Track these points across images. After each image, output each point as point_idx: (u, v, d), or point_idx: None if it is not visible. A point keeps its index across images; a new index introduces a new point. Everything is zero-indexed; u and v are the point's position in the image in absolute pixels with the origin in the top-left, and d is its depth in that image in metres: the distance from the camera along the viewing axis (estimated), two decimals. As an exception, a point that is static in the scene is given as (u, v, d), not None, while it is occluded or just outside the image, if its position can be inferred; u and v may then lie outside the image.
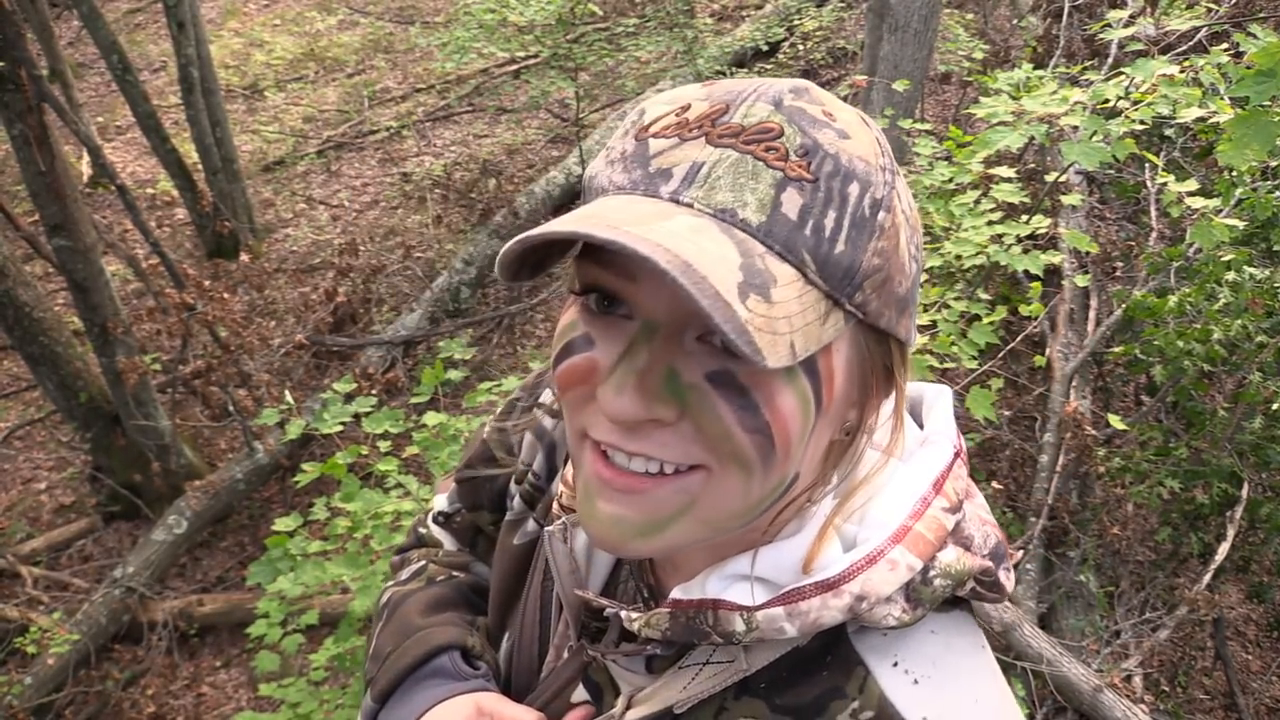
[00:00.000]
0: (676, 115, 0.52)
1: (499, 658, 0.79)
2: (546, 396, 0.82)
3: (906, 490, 0.57)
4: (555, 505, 0.72)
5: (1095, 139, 2.51)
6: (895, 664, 0.56)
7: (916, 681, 0.55)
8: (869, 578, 0.54)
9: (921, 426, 0.64)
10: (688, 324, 0.50)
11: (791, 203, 0.49)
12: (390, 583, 0.88)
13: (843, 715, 0.55)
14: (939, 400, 0.65)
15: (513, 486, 0.82)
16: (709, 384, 0.50)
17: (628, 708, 0.63)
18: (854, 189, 0.50)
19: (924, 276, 2.96)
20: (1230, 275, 3.25)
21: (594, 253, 0.52)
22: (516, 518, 0.81)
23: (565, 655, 0.72)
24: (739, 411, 0.50)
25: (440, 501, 0.92)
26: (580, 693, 0.69)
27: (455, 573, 0.88)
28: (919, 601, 0.55)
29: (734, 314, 0.44)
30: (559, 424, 0.79)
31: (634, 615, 0.60)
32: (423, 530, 0.94)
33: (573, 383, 0.54)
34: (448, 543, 0.92)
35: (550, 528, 0.69)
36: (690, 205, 0.49)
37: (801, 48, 7.33)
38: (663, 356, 0.50)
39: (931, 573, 0.55)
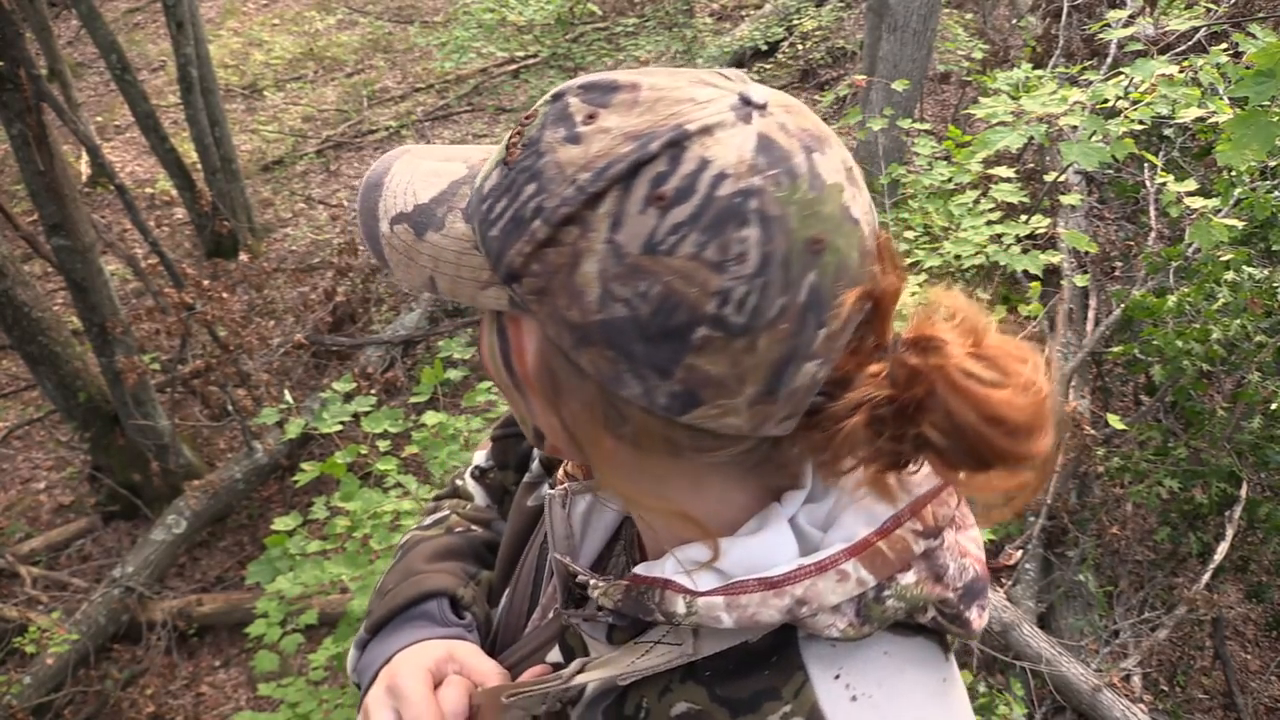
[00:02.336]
0: None
1: (497, 612, 0.82)
2: None
3: (881, 506, 0.57)
4: (561, 470, 0.73)
5: (1094, 139, 2.51)
6: (837, 677, 0.56)
7: (855, 699, 0.55)
8: (815, 584, 0.54)
9: None
10: None
11: (491, 181, 0.54)
12: (415, 526, 0.92)
13: (774, 716, 0.55)
14: None
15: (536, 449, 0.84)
16: None
17: (578, 672, 0.64)
18: (530, 189, 0.51)
19: (923, 276, 2.97)
20: (1229, 275, 3.25)
21: None
22: (534, 480, 0.84)
23: (549, 617, 0.74)
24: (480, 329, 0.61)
25: (479, 457, 0.97)
26: (555, 654, 0.71)
27: (475, 527, 0.91)
28: (868, 619, 0.55)
29: (375, 225, 0.60)
30: None
31: (600, 584, 0.62)
32: (459, 482, 0.98)
33: None
34: (479, 497, 0.95)
35: (552, 491, 0.70)
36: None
37: (800, 47, 7.33)
38: None
39: (885, 592, 0.55)
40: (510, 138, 0.55)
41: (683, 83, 0.52)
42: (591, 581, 0.62)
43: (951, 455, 0.51)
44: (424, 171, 0.60)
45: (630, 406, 0.52)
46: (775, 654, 0.57)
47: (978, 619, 0.59)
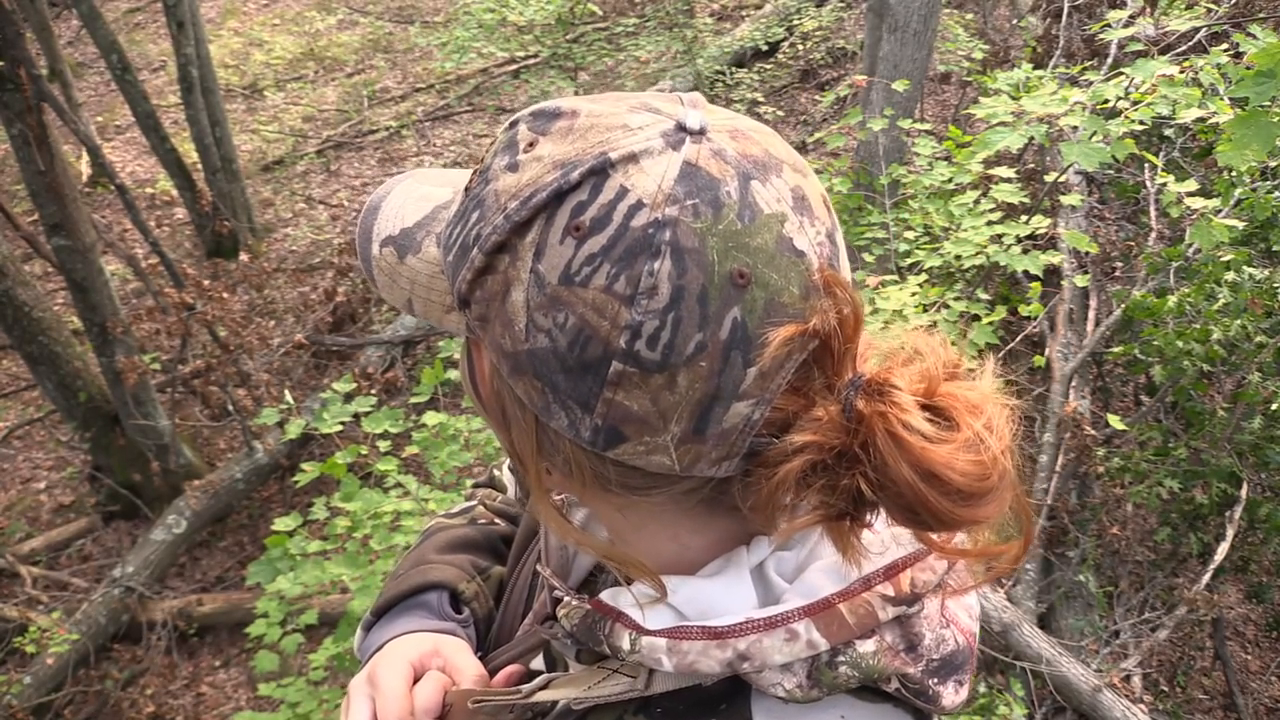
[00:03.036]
0: None
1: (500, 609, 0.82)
2: None
3: (853, 565, 0.54)
4: None
5: (1095, 139, 2.51)
6: None
7: None
8: (760, 641, 0.52)
9: None
10: None
11: (454, 207, 0.56)
12: (443, 513, 0.93)
13: None
14: None
15: None
16: None
17: (540, 688, 0.64)
18: (474, 217, 0.52)
19: (923, 277, 2.97)
20: (1230, 275, 3.25)
21: None
22: None
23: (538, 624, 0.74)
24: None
25: None
26: (539, 662, 0.71)
27: (499, 520, 0.91)
28: (819, 683, 0.53)
29: (369, 247, 0.61)
30: None
31: (567, 605, 0.61)
32: (496, 472, 0.98)
33: None
34: (512, 489, 0.95)
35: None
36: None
37: (801, 47, 7.33)
38: None
39: (840, 658, 0.53)
40: (474, 167, 0.56)
41: (622, 109, 0.51)
42: (565, 599, 0.62)
43: (889, 512, 0.48)
44: (416, 196, 0.62)
45: (560, 438, 0.52)
46: (725, 702, 0.56)
47: (952, 694, 0.55)
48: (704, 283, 0.46)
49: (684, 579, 0.57)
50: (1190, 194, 2.79)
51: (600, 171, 0.48)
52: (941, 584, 0.56)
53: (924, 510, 0.46)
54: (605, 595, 0.59)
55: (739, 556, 0.57)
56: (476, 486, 0.99)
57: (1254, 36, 2.51)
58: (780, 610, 0.53)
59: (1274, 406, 3.18)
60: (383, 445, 2.56)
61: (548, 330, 0.48)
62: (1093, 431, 3.46)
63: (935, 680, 0.55)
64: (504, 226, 0.50)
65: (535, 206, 0.49)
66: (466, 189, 0.55)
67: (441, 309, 0.57)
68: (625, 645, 0.55)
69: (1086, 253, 3.76)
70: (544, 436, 0.53)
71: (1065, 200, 3.31)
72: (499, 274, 0.50)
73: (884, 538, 0.55)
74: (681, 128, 0.49)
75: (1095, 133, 2.52)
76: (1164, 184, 3.02)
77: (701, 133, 0.49)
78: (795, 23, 7.45)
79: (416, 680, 0.70)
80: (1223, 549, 3.18)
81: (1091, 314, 4.15)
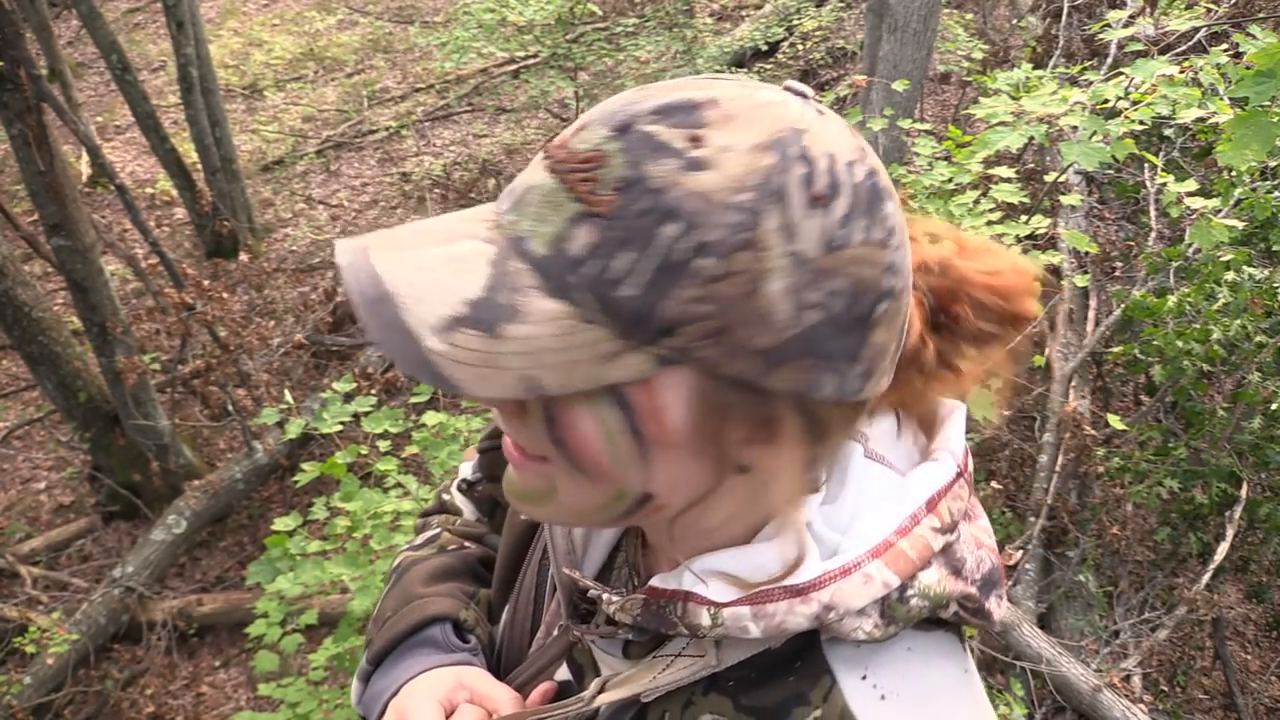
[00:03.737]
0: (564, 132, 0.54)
1: (498, 630, 0.81)
2: None
3: (897, 505, 0.57)
4: None
5: (1095, 139, 2.51)
6: (864, 677, 0.56)
7: (884, 697, 0.55)
8: (840, 588, 0.54)
9: (930, 440, 0.64)
10: None
11: (581, 240, 0.47)
12: (406, 546, 0.91)
13: None
14: (951, 416, 0.64)
15: None
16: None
17: (600, 691, 0.63)
18: (670, 230, 0.46)
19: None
20: (1229, 275, 3.25)
21: None
22: None
23: (555, 634, 0.73)
24: (545, 424, 0.52)
25: (466, 469, 0.94)
26: (563, 672, 0.70)
27: (467, 543, 0.89)
28: (893, 619, 0.55)
29: (414, 345, 0.47)
30: None
31: (614, 599, 0.61)
32: (446, 496, 0.96)
33: None
34: (467, 511, 0.93)
35: None
36: (502, 227, 0.51)
37: (801, 48, 7.33)
38: None
39: (909, 591, 0.55)
40: (574, 187, 0.48)
41: (748, 90, 0.51)
42: (605, 596, 0.61)
43: (980, 327, 0.60)
44: (433, 263, 0.50)
45: (823, 406, 0.52)
46: (799, 659, 0.57)
47: (997, 609, 0.60)
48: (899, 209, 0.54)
49: (744, 549, 0.57)
50: (1190, 194, 2.79)
51: (800, 144, 0.49)
52: (968, 509, 0.61)
53: (1004, 316, 0.60)
54: (656, 581, 0.59)
55: (790, 517, 0.58)
56: (426, 515, 0.96)
57: (1254, 36, 2.51)
58: (851, 558, 0.55)
59: (1274, 406, 3.18)
60: (383, 445, 2.56)
61: (820, 304, 0.48)
62: (1093, 431, 3.46)
63: (983, 597, 0.60)
64: (746, 222, 0.46)
65: (770, 192, 0.47)
66: (598, 215, 0.47)
67: (597, 362, 0.48)
68: (705, 622, 0.55)
69: (1086, 253, 3.76)
70: (804, 416, 0.52)
71: (1065, 200, 3.30)
72: (740, 274, 0.47)
73: (913, 477, 0.60)
74: (802, 95, 0.53)
75: (1095, 133, 2.52)
76: (1164, 184, 3.02)
77: (809, 97, 0.53)
78: (795, 23, 7.45)
79: (448, 717, 0.69)
80: (1223, 549, 3.19)
81: (1091, 314, 4.15)
